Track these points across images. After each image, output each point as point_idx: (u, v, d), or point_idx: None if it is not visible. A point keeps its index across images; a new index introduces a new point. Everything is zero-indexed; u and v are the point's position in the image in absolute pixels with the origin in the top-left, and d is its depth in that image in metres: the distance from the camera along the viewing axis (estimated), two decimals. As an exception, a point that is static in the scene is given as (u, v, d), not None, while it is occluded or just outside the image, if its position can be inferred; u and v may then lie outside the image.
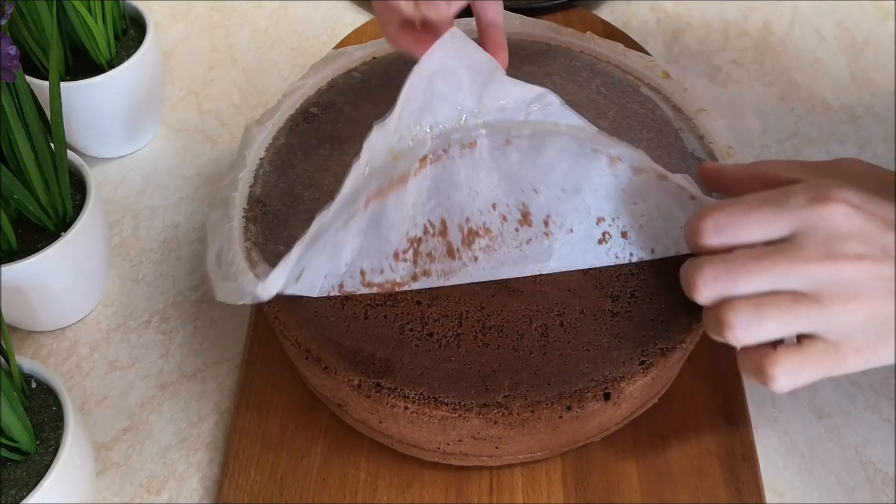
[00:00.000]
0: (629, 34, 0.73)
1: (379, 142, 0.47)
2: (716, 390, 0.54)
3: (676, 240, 0.49)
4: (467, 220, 0.48)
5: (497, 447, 0.48)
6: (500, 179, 0.49)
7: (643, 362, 0.46)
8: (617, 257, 0.49)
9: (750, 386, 0.55)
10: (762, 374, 0.43)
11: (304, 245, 0.46)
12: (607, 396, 0.46)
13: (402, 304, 0.48)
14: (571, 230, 0.49)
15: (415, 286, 0.49)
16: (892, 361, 0.43)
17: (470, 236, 0.48)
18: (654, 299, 0.48)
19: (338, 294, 0.49)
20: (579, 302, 0.48)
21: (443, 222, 0.48)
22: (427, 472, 0.51)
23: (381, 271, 0.48)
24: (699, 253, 0.44)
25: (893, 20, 0.77)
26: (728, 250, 0.43)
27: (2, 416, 0.44)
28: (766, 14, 0.78)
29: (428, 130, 0.47)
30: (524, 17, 0.62)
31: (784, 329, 0.42)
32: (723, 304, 0.42)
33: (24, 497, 0.45)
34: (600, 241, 0.49)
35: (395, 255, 0.48)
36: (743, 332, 0.42)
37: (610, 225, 0.49)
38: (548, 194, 0.48)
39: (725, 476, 0.51)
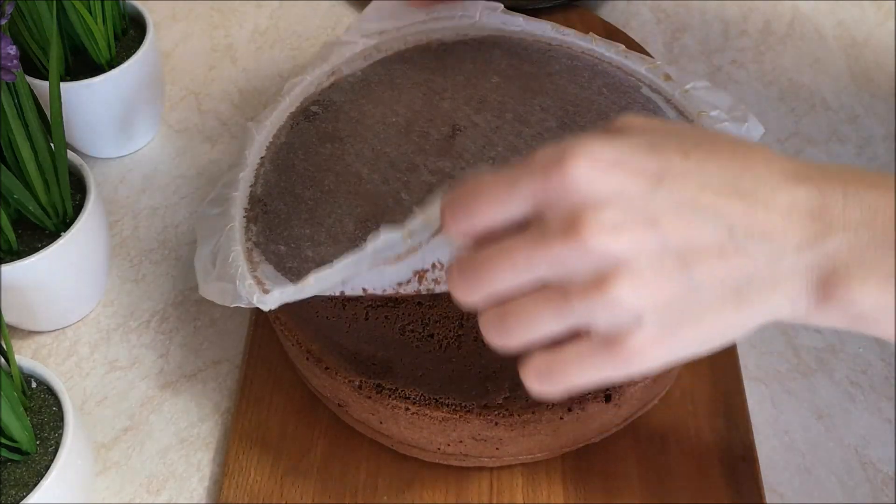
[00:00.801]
0: (629, 34, 0.73)
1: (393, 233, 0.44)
2: (716, 390, 0.54)
3: None
4: None
5: (497, 448, 0.48)
6: None
7: (644, 363, 0.46)
8: None
9: (750, 386, 0.55)
10: (523, 377, 0.36)
11: (298, 291, 0.45)
12: (608, 398, 0.46)
13: (403, 306, 0.48)
14: None
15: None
16: (703, 348, 0.35)
17: None
18: (654, 300, 0.48)
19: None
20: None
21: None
22: (427, 472, 0.51)
23: (384, 290, 0.48)
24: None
25: (893, 20, 0.77)
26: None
27: (2, 416, 0.44)
28: (766, 14, 0.78)
29: None
30: (526, 16, 0.62)
31: (540, 329, 0.34)
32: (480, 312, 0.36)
33: (24, 497, 0.45)
34: None
35: (399, 284, 0.47)
36: (498, 340, 0.35)
37: None
38: None
39: (725, 476, 0.51)
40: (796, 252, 0.34)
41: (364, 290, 0.47)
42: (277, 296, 0.45)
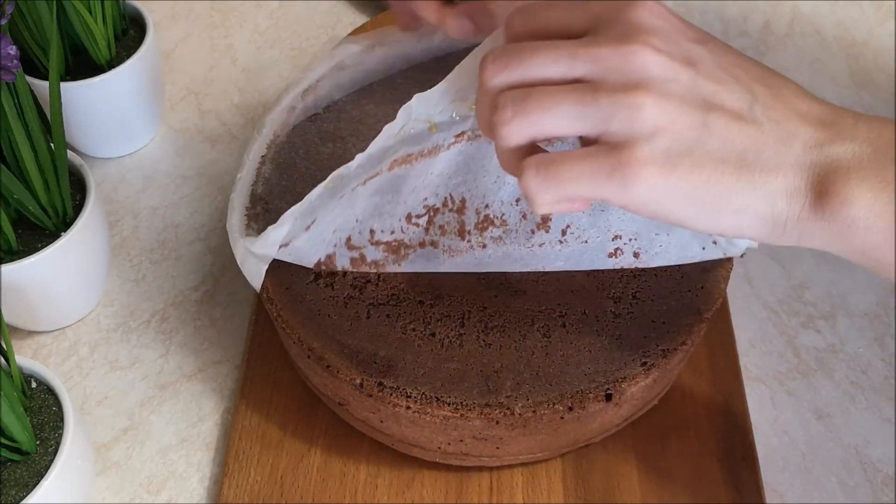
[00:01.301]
0: (629, 34, 0.73)
1: (418, 110, 0.45)
2: (716, 390, 0.54)
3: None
4: (487, 206, 0.48)
5: (498, 447, 0.48)
6: None
7: (645, 363, 0.46)
8: (622, 269, 0.49)
9: (750, 386, 0.55)
10: (519, 177, 0.36)
11: (320, 190, 0.45)
12: (609, 397, 0.46)
13: (404, 304, 0.48)
14: (586, 241, 0.49)
15: (417, 257, 0.48)
16: (690, 209, 0.35)
17: (485, 222, 0.48)
18: (655, 301, 0.48)
19: (344, 250, 0.48)
20: (581, 303, 0.48)
21: (462, 200, 0.48)
22: (427, 471, 0.51)
23: (392, 231, 0.48)
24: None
25: (893, 20, 0.78)
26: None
27: (2, 416, 0.44)
28: (766, 14, 0.78)
29: (471, 108, 0.45)
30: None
31: (555, 121, 0.35)
32: (496, 94, 0.36)
33: (24, 497, 0.44)
34: (610, 255, 0.49)
35: (408, 218, 0.47)
36: (508, 121, 0.36)
37: (625, 244, 0.49)
38: None
39: (725, 476, 0.51)
40: (803, 147, 0.35)
41: (371, 230, 0.47)
42: (285, 218, 0.46)
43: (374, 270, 0.50)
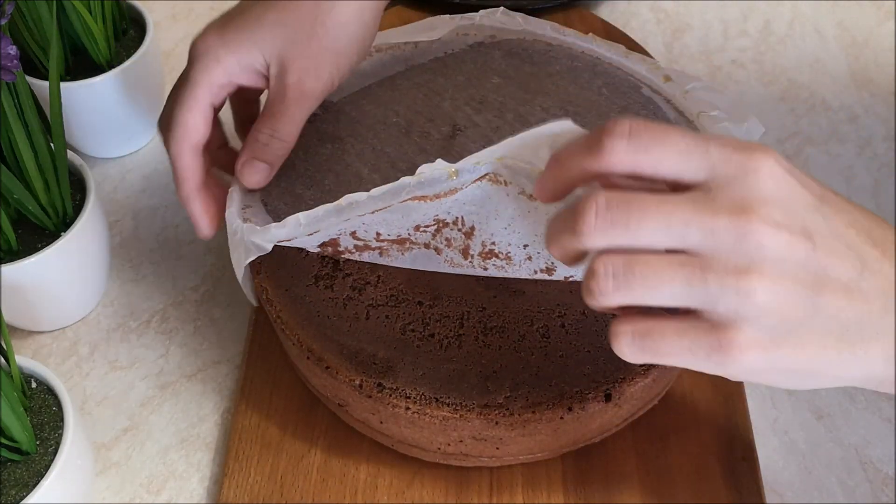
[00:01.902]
0: (629, 34, 0.73)
1: (440, 163, 0.45)
2: (716, 390, 0.54)
3: None
4: (493, 242, 0.47)
5: (497, 448, 0.48)
6: (544, 235, 0.48)
7: (644, 364, 0.46)
8: None
9: (750, 386, 0.55)
10: (610, 337, 0.36)
11: (330, 209, 0.45)
12: (608, 398, 0.46)
13: (403, 305, 0.48)
14: None
15: (420, 254, 0.48)
16: (788, 378, 0.35)
17: (489, 254, 0.48)
18: (654, 300, 0.48)
19: (349, 238, 0.48)
20: (580, 303, 0.48)
21: (472, 228, 0.47)
22: (427, 472, 0.51)
23: (398, 235, 0.48)
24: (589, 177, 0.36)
25: (893, 20, 0.77)
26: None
27: (2, 416, 0.44)
28: (766, 14, 0.78)
29: (497, 160, 0.44)
30: (526, 16, 0.62)
31: (660, 295, 0.34)
32: (597, 254, 0.35)
33: (24, 497, 0.45)
34: None
35: (417, 228, 0.47)
36: (606, 286, 0.34)
37: None
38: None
39: (725, 476, 0.51)
40: None
41: (377, 234, 0.47)
42: (293, 222, 0.46)
43: (378, 253, 0.49)
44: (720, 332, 0.33)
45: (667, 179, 0.35)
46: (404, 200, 0.45)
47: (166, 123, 0.50)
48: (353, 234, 0.48)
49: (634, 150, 0.34)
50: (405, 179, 0.44)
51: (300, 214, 0.46)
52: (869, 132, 0.69)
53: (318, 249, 0.50)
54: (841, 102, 0.71)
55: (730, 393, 0.54)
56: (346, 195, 0.45)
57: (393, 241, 0.48)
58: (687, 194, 0.34)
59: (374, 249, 0.49)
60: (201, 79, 0.49)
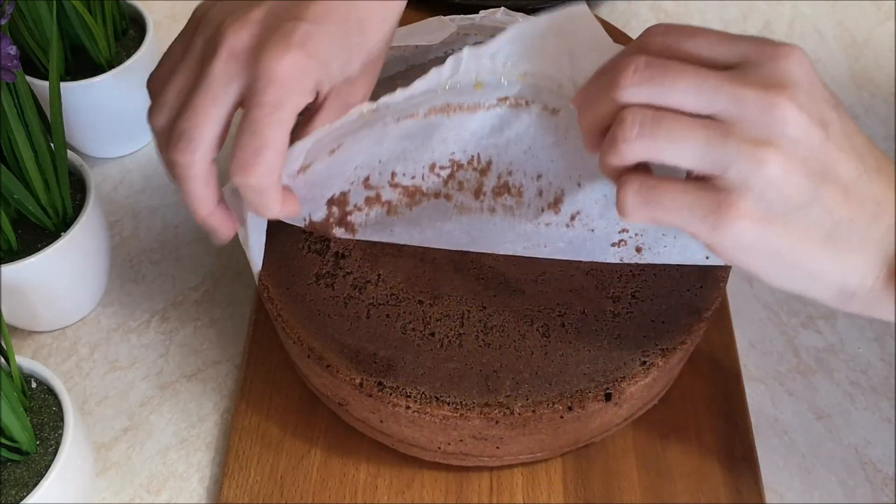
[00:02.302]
0: (629, 34, 0.73)
1: (468, 63, 0.44)
2: (716, 390, 0.54)
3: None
4: (510, 173, 0.48)
5: (498, 447, 0.48)
6: (560, 157, 0.48)
7: (644, 363, 0.46)
8: (622, 259, 0.49)
9: (750, 386, 0.55)
10: (617, 188, 0.37)
11: (356, 114, 0.44)
12: (608, 397, 0.46)
13: (404, 304, 0.48)
14: (593, 230, 0.49)
15: (429, 205, 0.48)
16: (770, 265, 0.37)
17: (502, 188, 0.48)
18: (654, 300, 0.48)
19: (361, 188, 0.48)
20: (580, 302, 0.48)
21: (489, 162, 0.47)
22: (427, 472, 0.51)
23: (413, 177, 0.48)
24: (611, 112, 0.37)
25: (893, 20, 0.78)
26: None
27: (2, 416, 0.44)
28: (766, 14, 0.78)
29: (520, 77, 0.44)
30: (526, 15, 0.62)
31: (679, 151, 0.36)
32: (625, 108, 0.36)
33: (24, 497, 0.45)
34: (614, 244, 0.49)
35: (432, 167, 0.47)
36: (631, 133, 0.36)
37: (631, 237, 0.49)
38: (588, 193, 0.48)
39: (725, 476, 0.51)
40: (887, 228, 0.37)
41: (393, 173, 0.47)
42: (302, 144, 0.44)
43: (386, 211, 0.49)
44: (723, 194, 0.35)
45: (701, 64, 0.37)
46: (429, 112, 0.45)
47: (187, 138, 0.40)
48: (366, 180, 0.47)
49: (669, 39, 0.37)
50: (434, 73, 0.44)
51: (326, 125, 0.43)
52: (869, 132, 0.69)
53: (326, 212, 0.49)
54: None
55: (730, 393, 0.54)
56: (382, 97, 0.43)
57: (405, 189, 0.48)
58: (722, 71, 0.36)
59: (383, 205, 0.48)
60: (290, 107, 0.40)
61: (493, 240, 0.49)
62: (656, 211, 0.36)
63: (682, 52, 0.37)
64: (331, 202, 0.49)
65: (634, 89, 0.36)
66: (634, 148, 0.36)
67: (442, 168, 0.48)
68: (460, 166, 0.48)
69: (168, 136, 0.41)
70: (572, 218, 0.49)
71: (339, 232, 0.50)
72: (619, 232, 0.49)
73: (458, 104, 0.46)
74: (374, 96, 0.57)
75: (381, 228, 0.50)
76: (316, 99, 0.42)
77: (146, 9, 0.65)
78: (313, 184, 0.48)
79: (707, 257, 0.49)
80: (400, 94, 0.44)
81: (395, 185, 0.48)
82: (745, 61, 0.36)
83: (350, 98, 0.44)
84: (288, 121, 0.40)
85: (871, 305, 0.37)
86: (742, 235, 0.35)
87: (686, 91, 0.36)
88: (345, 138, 0.46)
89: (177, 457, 0.54)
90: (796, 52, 0.36)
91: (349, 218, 0.50)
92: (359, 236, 0.50)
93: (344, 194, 0.49)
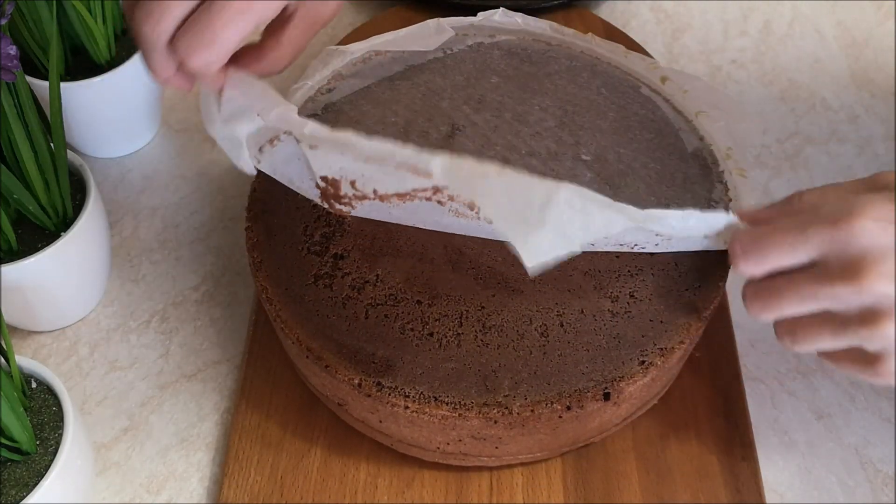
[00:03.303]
0: (629, 34, 0.73)
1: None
2: (716, 390, 0.54)
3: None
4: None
5: (497, 447, 0.48)
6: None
7: (643, 362, 0.46)
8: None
9: (750, 386, 0.55)
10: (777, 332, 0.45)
11: (330, 137, 0.43)
12: (607, 396, 0.46)
13: (402, 304, 0.48)
14: (593, 244, 0.48)
15: (422, 204, 0.47)
16: None
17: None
18: (653, 300, 0.48)
19: (349, 187, 0.46)
20: (579, 302, 0.48)
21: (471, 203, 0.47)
22: (427, 471, 0.51)
23: (396, 192, 0.46)
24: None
25: (893, 20, 0.77)
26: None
27: (2, 416, 0.44)
28: (766, 14, 0.78)
29: None
30: (525, 15, 0.62)
31: (820, 343, 0.43)
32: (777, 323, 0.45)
33: (24, 497, 0.45)
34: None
35: (415, 190, 0.46)
36: (789, 341, 0.44)
37: (630, 250, 0.49)
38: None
39: (725, 476, 0.51)
40: None
41: (375, 191, 0.46)
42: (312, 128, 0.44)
43: (379, 200, 0.47)
44: (871, 356, 0.42)
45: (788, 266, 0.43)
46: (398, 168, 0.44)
47: (151, 11, 0.43)
48: (352, 183, 0.46)
49: (755, 261, 0.43)
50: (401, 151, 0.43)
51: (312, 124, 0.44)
52: (869, 132, 0.69)
53: (323, 185, 0.48)
54: (841, 102, 0.71)
55: (730, 393, 0.54)
56: (347, 134, 0.43)
57: (392, 195, 0.47)
58: (809, 271, 0.42)
59: (373, 199, 0.48)
60: (254, 14, 0.43)
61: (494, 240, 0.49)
62: (811, 347, 0.44)
63: (769, 270, 0.43)
64: (325, 179, 0.48)
65: (761, 313, 0.44)
66: (788, 346, 0.45)
67: (424, 189, 0.46)
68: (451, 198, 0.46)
69: (137, 8, 0.44)
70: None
71: (336, 206, 0.48)
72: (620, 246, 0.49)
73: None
74: (373, 95, 0.57)
75: (379, 209, 0.48)
76: (284, 11, 0.45)
77: (146, 9, 0.65)
78: (317, 154, 0.46)
79: (706, 236, 0.48)
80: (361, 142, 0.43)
81: (379, 195, 0.47)
82: (821, 253, 0.41)
83: (319, 15, 0.46)
84: (246, 25, 0.42)
85: None
86: None
87: (797, 305, 0.42)
88: (321, 140, 0.45)
89: (177, 457, 0.54)
90: (858, 223, 0.40)
91: (343, 201, 0.48)
92: (355, 213, 0.49)
93: (336, 182, 0.47)
